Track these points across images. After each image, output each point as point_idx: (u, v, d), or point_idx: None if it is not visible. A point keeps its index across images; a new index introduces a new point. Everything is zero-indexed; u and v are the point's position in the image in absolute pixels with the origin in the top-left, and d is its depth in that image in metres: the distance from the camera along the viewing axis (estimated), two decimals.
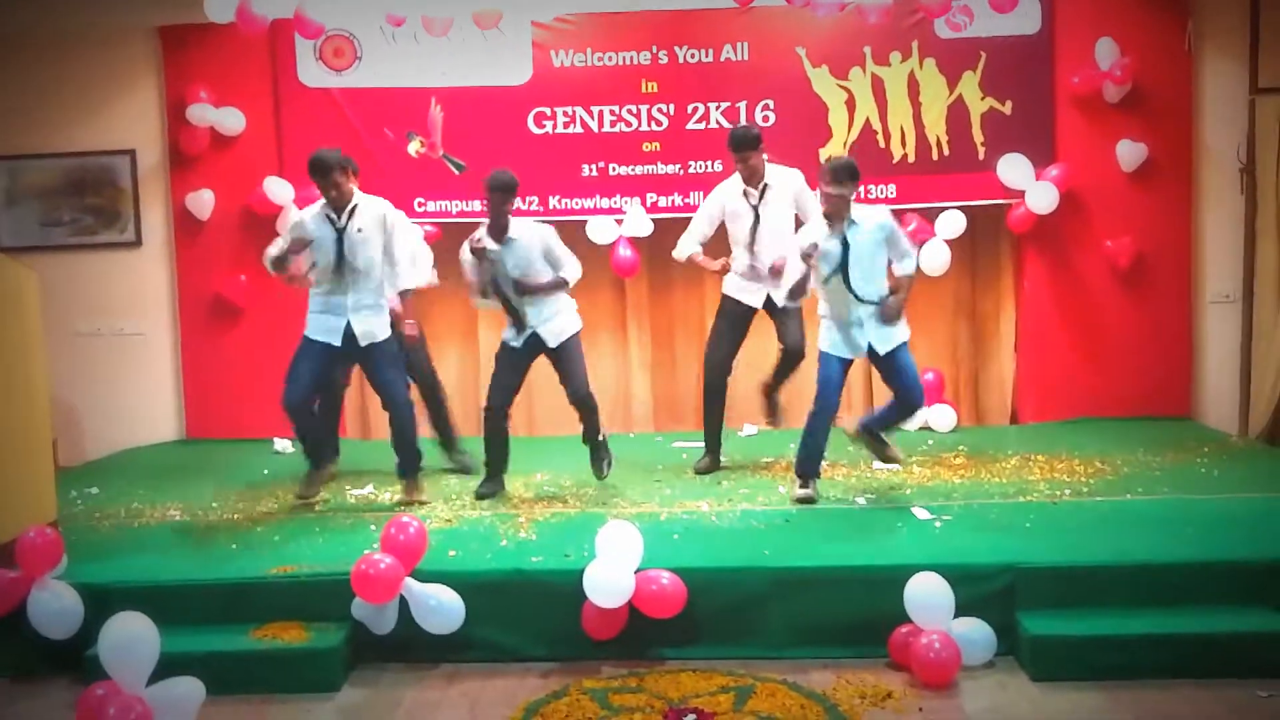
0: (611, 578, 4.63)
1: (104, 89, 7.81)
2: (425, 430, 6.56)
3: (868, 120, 7.73)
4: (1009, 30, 7.60)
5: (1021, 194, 7.60)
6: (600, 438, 6.16)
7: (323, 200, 5.74)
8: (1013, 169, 7.59)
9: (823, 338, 5.76)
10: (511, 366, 6.03)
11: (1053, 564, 4.76)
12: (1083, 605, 4.66)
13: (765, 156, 6.34)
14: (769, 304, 6.40)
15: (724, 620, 4.76)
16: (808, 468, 5.84)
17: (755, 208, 6.29)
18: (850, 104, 7.72)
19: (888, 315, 5.61)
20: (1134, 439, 7.01)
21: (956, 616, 4.56)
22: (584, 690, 4.44)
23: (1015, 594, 4.68)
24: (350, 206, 5.71)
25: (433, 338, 7.09)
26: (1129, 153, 7.57)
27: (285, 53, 7.74)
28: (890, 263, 5.74)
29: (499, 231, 5.87)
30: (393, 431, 5.99)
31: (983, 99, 7.67)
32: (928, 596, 4.55)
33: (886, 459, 6.03)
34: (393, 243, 5.81)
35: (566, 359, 6.00)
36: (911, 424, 7.42)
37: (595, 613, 4.67)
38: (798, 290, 5.83)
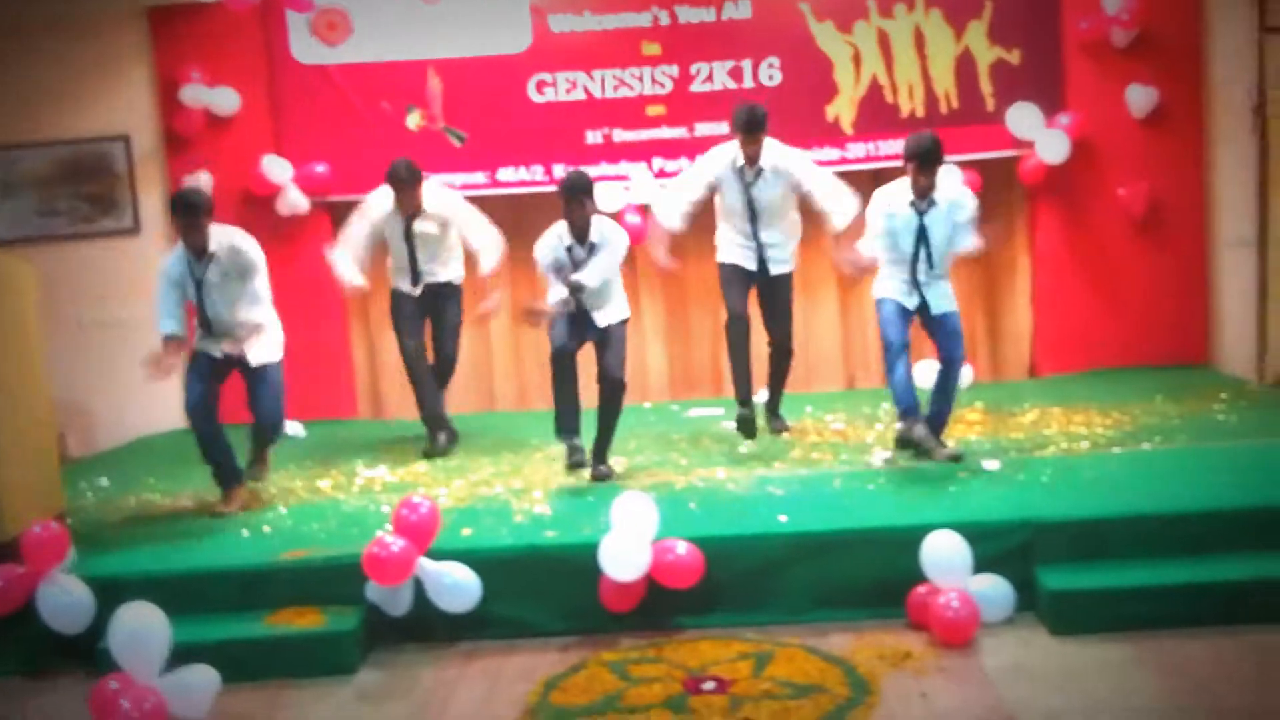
0: (627, 550, 4.58)
1: (95, 74, 7.73)
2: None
3: (874, 75, 7.61)
4: None
5: (1032, 144, 7.48)
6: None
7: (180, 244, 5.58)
8: (1022, 119, 7.47)
9: (881, 286, 5.75)
10: (568, 324, 5.68)
11: (1070, 518, 4.72)
12: (1101, 558, 4.62)
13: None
14: (760, 282, 6.24)
15: (742, 587, 4.73)
16: (900, 409, 5.73)
17: (748, 186, 6.08)
18: (856, 59, 7.61)
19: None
20: (1152, 388, 6.93)
21: (975, 574, 4.53)
22: (603, 663, 4.42)
23: (1033, 549, 4.64)
24: (210, 255, 5.54)
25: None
26: (1140, 98, 7.44)
27: (277, 29, 7.65)
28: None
29: (581, 233, 5.65)
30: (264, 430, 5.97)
31: (990, 49, 7.54)
32: (945, 555, 4.52)
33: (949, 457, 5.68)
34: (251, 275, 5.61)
35: (607, 340, 5.72)
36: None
37: (612, 585, 4.63)
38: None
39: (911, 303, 5.64)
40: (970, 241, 5.66)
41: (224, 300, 5.60)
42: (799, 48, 7.58)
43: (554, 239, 5.68)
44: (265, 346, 5.72)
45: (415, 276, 6.54)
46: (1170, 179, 7.54)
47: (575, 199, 5.56)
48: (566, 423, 5.76)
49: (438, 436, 6.61)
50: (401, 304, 6.64)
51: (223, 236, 5.58)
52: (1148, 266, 7.62)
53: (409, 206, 6.40)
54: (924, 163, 5.46)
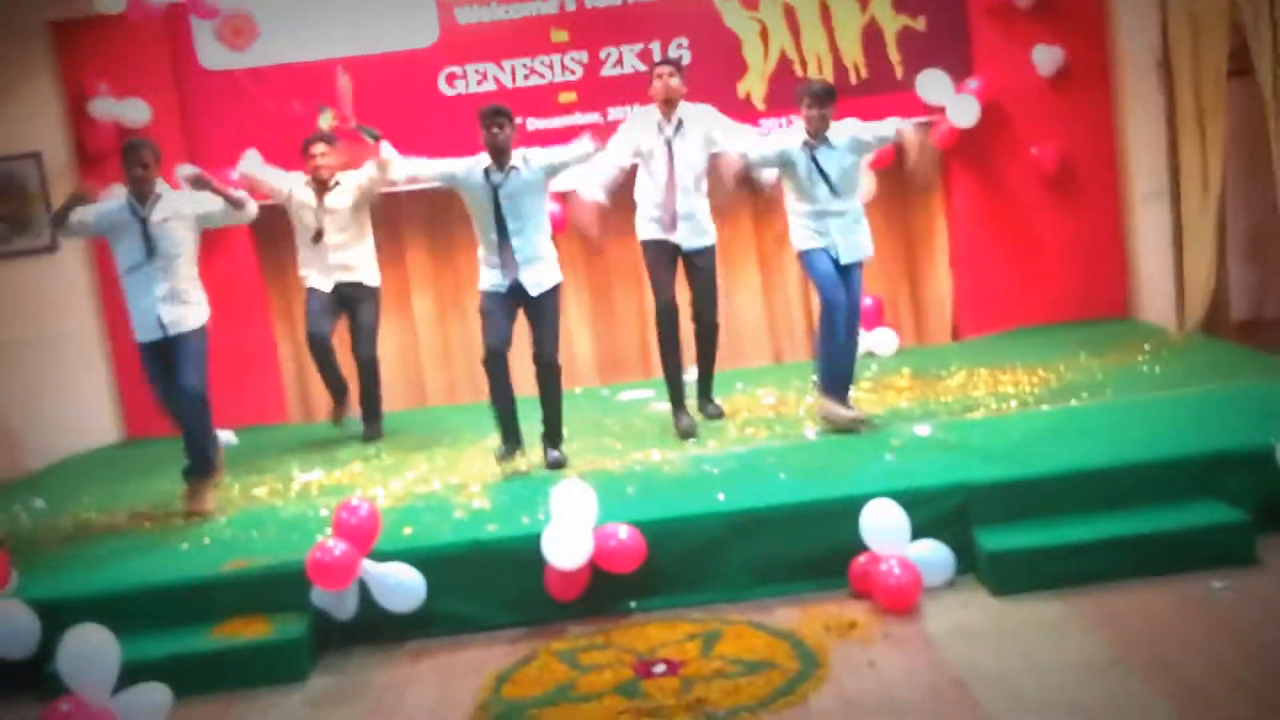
0: (569, 538, 4.60)
1: (0, 92, 7.53)
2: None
3: (783, 50, 7.67)
4: None
5: (942, 110, 7.58)
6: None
7: (126, 191, 5.60)
8: (932, 85, 7.56)
9: (799, 237, 5.73)
10: (502, 312, 5.65)
11: (1003, 479, 4.79)
12: (1036, 517, 4.69)
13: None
14: (684, 260, 6.14)
15: (685, 568, 4.76)
16: (827, 383, 5.74)
17: (669, 141, 5.98)
18: (764, 35, 7.65)
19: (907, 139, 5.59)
20: (1075, 343, 7.04)
21: (914, 540, 4.60)
22: (553, 653, 4.44)
23: (970, 512, 4.71)
24: (155, 195, 5.54)
25: None
26: (1046, 58, 7.57)
27: (183, 37, 7.54)
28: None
29: (500, 156, 5.57)
30: (183, 429, 5.72)
31: (895, 17, 7.62)
32: (883, 523, 4.58)
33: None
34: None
35: (540, 312, 5.67)
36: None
37: (557, 575, 4.66)
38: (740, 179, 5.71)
39: (827, 242, 5.66)
40: (869, 135, 5.65)
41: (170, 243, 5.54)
42: (706, 26, 7.62)
43: (470, 161, 5.64)
44: (191, 311, 5.65)
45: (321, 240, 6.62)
46: (1081, 136, 7.68)
47: (494, 121, 5.50)
48: (510, 436, 5.73)
49: (341, 406, 6.84)
50: (313, 299, 6.69)
51: (172, 196, 5.62)
52: (1064, 223, 7.77)
53: (324, 170, 6.56)
54: (814, 100, 5.53)
